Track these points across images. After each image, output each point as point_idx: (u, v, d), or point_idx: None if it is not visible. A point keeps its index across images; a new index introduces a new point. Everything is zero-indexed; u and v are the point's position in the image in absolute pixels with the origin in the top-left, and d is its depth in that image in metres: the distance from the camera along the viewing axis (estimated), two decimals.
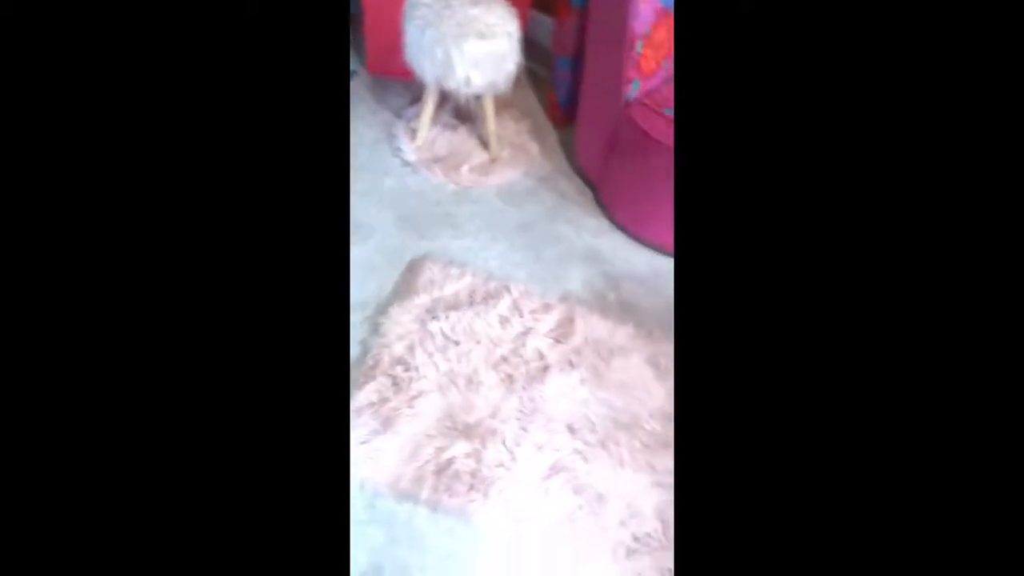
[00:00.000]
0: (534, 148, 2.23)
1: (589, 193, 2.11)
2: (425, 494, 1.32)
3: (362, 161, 2.08)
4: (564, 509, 1.33)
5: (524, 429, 1.44)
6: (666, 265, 1.93)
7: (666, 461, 1.43)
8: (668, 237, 1.89)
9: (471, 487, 1.33)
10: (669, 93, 1.78)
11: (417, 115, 2.15)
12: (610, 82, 1.76)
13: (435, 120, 2.18)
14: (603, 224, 2.02)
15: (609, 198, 2.01)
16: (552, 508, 1.32)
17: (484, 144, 2.17)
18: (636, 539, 1.30)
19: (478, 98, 2.08)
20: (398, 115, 2.25)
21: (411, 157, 2.09)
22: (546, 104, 2.41)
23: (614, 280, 1.85)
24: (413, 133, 2.14)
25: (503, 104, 2.26)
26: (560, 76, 2.20)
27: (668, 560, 1.27)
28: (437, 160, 2.10)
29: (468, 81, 1.82)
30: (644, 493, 1.37)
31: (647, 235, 1.93)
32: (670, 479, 1.40)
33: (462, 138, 2.20)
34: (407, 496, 1.32)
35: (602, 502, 1.34)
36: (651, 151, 1.69)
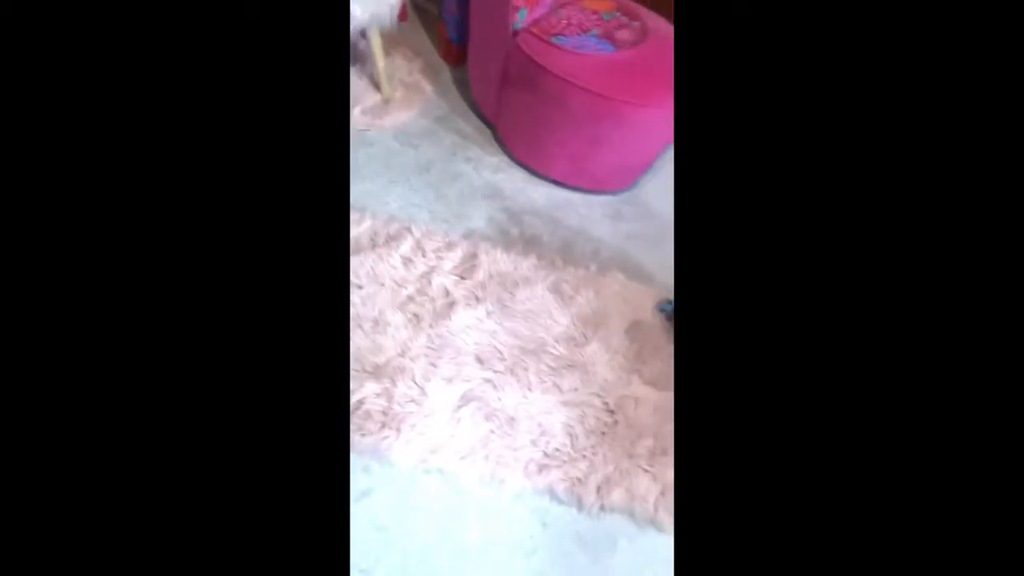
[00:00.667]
0: (428, 87, 2.14)
1: (488, 131, 2.07)
2: None
3: None
4: (477, 435, 1.34)
5: (433, 364, 1.43)
6: (565, 197, 1.93)
7: (571, 381, 1.46)
8: (565, 170, 1.88)
9: (383, 425, 1.32)
10: (556, 21, 1.74)
11: None
12: (496, 12, 1.70)
13: None
14: (503, 160, 1.99)
15: (506, 134, 1.97)
16: (465, 436, 1.33)
17: (376, 85, 2.06)
18: (547, 455, 1.33)
19: (364, 36, 1.96)
20: None
21: None
22: (438, 41, 2.31)
23: (516, 215, 1.84)
24: None
25: (393, 42, 2.14)
26: (449, 11, 2.11)
27: (576, 471, 1.32)
28: None
29: (350, 15, 1.70)
30: (552, 412, 1.40)
31: (544, 169, 1.92)
32: (575, 396, 1.44)
33: (352, 80, 2.08)
34: None
35: (513, 425, 1.36)
36: (541, 81, 1.66)
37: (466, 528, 1.23)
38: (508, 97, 1.84)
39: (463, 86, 2.17)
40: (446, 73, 2.23)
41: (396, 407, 1.34)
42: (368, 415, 1.33)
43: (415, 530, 1.21)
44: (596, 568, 1.23)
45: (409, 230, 1.68)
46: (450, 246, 1.68)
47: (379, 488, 1.25)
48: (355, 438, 1.29)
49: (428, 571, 1.17)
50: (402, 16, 2.26)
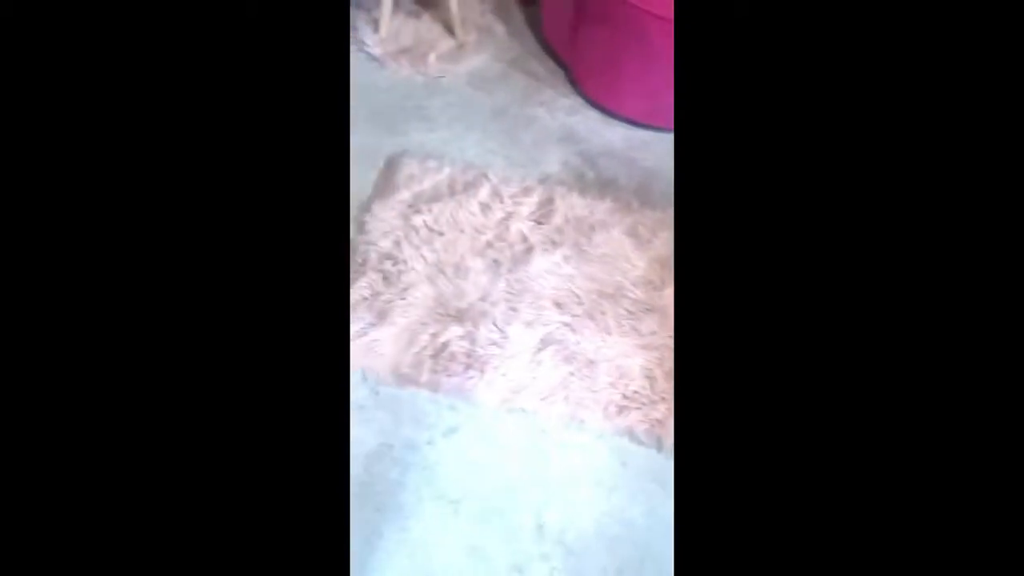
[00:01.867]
0: (500, 29, 2.02)
1: (561, 73, 1.94)
2: (424, 377, 1.30)
3: None
4: (557, 377, 1.31)
5: (513, 309, 1.40)
6: (640, 137, 1.81)
7: (649, 324, 1.40)
8: (641, 108, 1.75)
9: (467, 366, 1.32)
10: None
11: (377, 4, 1.93)
12: None
13: (397, 8, 1.96)
14: (577, 102, 1.88)
15: (580, 74, 1.85)
16: (546, 377, 1.31)
17: (449, 30, 1.97)
18: (625, 397, 1.30)
19: None
20: (358, 6, 2.03)
21: (376, 51, 1.90)
22: None
23: (591, 158, 1.75)
24: (375, 24, 1.93)
25: None
26: None
27: (655, 412, 1.28)
28: (403, 51, 1.91)
29: None
30: (631, 355, 1.35)
31: (620, 108, 1.80)
32: (654, 340, 1.38)
33: (427, 25, 2.00)
34: (408, 380, 1.30)
35: (592, 367, 1.33)
36: (618, 12, 1.52)
37: (549, 464, 1.23)
38: (583, 33, 1.71)
39: (535, 26, 2.04)
40: (517, 13, 2.10)
41: (479, 350, 1.34)
42: (453, 356, 1.33)
43: (500, 465, 1.22)
44: None
45: (486, 176, 1.63)
46: (526, 191, 1.61)
47: (465, 425, 1.27)
48: (441, 378, 1.30)
49: (514, 504, 1.19)
50: None
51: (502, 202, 1.59)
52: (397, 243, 1.49)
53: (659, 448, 1.25)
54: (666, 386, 1.32)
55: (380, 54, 1.89)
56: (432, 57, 1.90)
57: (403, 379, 1.30)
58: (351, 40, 1.94)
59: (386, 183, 1.61)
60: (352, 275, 1.44)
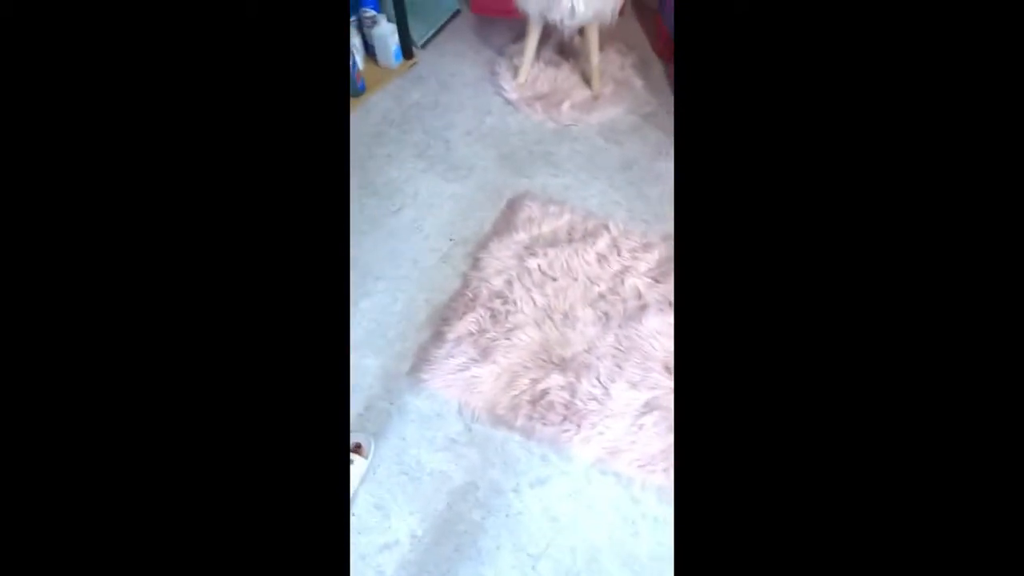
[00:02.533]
0: (639, 83, 2.04)
1: None
2: (520, 421, 1.28)
3: (465, 100, 2.00)
4: (658, 446, 1.24)
5: (619, 366, 1.36)
6: None
7: None
8: None
9: (564, 418, 1.28)
10: None
11: (520, 52, 2.02)
12: None
13: (538, 57, 2.04)
14: None
15: None
16: (646, 444, 1.25)
17: (586, 81, 2.01)
18: None
19: (581, 32, 1.91)
20: (500, 53, 2.13)
21: (512, 95, 1.97)
22: (653, 36, 2.18)
23: None
24: (515, 71, 2.02)
25: (607, 37, 2.07)
26: (669, 4, 1.97)
27: None
28: (538, 98, 1.98)
29: (573, 12, 1.66)
30: None
31: None
32: None
33: (564, 75, 2.05)
34: (502, 422, 1.29)
35: None
36: None
37: (638, 538, 1.15)
38: None
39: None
40: (658, 68, 2.10)
41: (579, 403, 1.30)
42: (551, 406, 1.30)
43: (585, 528, 1.17)
44: None
45: (606, 227, 1.62)
46: (647, 247, 1.58)
47: (554, 479, 1.22)
48: (536, 426, 1.28)
49: (593, 571, 1.12)
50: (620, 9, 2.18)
51: (620, 255, 1.56)
52: (509, 283, 1.50)
53: None
54: None
55: (515, 99, 1.97)
56: (566, 105, 1.95)
57: (498, 420, 1.29)
58: (491, 85, 2.03)
59: (506, 223, 1.64)
60: (462, 309, 1.46)
